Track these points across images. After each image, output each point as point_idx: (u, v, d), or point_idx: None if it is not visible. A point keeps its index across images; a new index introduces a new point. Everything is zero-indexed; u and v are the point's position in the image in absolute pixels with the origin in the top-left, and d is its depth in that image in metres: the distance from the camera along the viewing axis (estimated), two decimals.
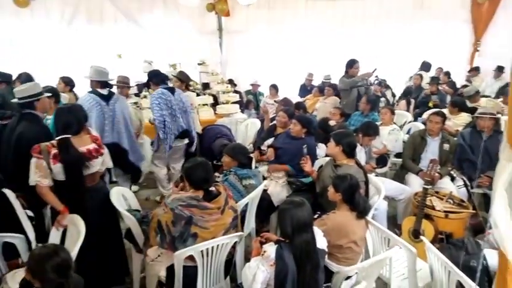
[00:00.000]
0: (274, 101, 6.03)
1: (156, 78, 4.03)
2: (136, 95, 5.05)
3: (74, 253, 2.00)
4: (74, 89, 4.77)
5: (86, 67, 3.67)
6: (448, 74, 7.99)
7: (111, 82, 3.73)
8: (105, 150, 2.64)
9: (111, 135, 3.55)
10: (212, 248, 2.15)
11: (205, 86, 5.79)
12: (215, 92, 5.69)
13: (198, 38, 7.18)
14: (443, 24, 8.46)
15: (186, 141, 4.09)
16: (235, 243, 2.30)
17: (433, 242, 2.92)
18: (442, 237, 2.97)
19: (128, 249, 2.80)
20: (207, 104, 5.12)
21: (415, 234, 3.03)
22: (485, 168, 3.60)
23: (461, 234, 3.05)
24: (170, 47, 6.75)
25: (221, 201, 2.27)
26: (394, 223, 3.70)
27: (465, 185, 3.57)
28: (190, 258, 2.14)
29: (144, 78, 5.42)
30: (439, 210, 3.08)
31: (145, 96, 4.70)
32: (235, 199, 2.63)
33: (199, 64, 5.47)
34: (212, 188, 2.33)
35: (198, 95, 5.18)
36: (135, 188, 4.67)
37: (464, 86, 7.38)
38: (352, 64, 5.27)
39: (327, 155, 3.74)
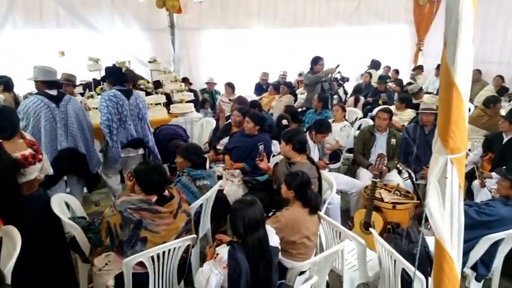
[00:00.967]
0: (229, 100, 5.99)
1: (112, 77, 3.69)
2: (82, 94, 4.76)
3: (9, 267, 1.85)
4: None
5: (25, 66, 3.38)
6: (397, 71, 8.47)
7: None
8: (44, 156, 2.46)
9: (66, 140, 3.26)
10: (163, 252, 2.07)
11: (157, 84, 5.60)
12: (168, 90, 5.53)
13: (148, 34, 6.91)
14: (389, 25, 8.97)
15: (141, 151, 3.78)
16: (188, 246, 2.24)
17: (382, 232, 3.07)
18: (390, 228, 3.13)
19: (74, 259, 2.64)
20: (160, 103, 4.95)
21: (366, 226, 3.15)
22: (428, 161, 3.83)
23: (407, 223, 3.22)
24: (118, 44, 6.45)
25: (174, 205, 2.20)
26: (347, 216, 3.84)
27: (410, 177, 3.77)
28: (141, 264, 2.05)
29: (90, 77, 5.15)
30: (387, 202, 3.23)
31: (91, 96, 4.43)
32: (188, 201, 2.58)
33: (150, 62, 5.25)
34: (165, 192, 2.26)
35: (149, 93, 4.98)
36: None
37: (409, 84, 7.85)
38: (317, 61, 5.46)
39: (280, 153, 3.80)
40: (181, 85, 5.34)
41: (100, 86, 4.61)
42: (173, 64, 7.31)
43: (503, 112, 5.18)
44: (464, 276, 2.61)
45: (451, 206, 1.25)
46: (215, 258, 1.92)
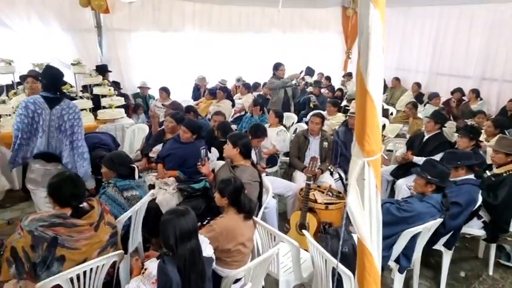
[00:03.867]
0: (163, 105, 5.79)
1: (46, 80, 3.16)
2: None
3: None
4: None
5: None
6: (329, 78, 8.96)
7: None
8: None
9: None
10: (84, 272, 1.89)
11: (84, 88, 5.19)
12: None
13: (71, 35, 6.33)
14: (322, 34, 9.47)
15: (61, 166, 3.24)
16: (114, 263, 2.07)
17: (316, 233, 3.17)
18: (323, 228, 3.24)
19: None
20: (85, 109, 4.58)
21: (302, 227, 3.23)
22: None
23: (339, 223, 3.37)
24: (36, 44, 5.84)
25: (94, 217, 2.04)
26: (284, 218, 3.91)
27: (340, 177, 3.97)
28: (58, 287, 1.84)
29: (3, 80, 4.60)
30: (320, 203, 3.36)
31: (3, 102, 3.94)
32: (115, 214, 2.41)
33: (73, 64, 4.82)
34: (83, 204, 2.08)
35: (74, 98, 4.58)
36: None
37: (340, 90, 8.35)
38: (277, 67, 5.78)
39: (221, 158, 3.75)
40: (109, 89, 5.01)
41: (13, 91, 4.13)
42: None
43: (420, 115, 5.79)
44: (390, 269, 2.80)
45: (369, 205, 1.31)
46: (143, 273, 1.80)
